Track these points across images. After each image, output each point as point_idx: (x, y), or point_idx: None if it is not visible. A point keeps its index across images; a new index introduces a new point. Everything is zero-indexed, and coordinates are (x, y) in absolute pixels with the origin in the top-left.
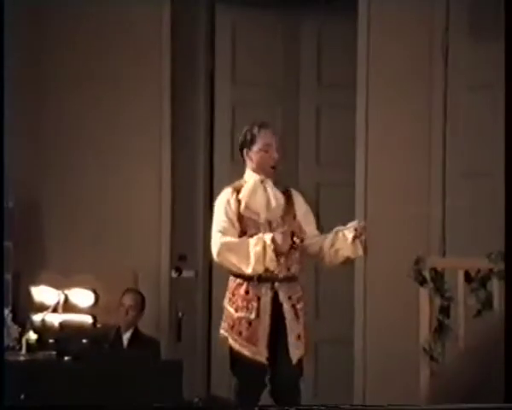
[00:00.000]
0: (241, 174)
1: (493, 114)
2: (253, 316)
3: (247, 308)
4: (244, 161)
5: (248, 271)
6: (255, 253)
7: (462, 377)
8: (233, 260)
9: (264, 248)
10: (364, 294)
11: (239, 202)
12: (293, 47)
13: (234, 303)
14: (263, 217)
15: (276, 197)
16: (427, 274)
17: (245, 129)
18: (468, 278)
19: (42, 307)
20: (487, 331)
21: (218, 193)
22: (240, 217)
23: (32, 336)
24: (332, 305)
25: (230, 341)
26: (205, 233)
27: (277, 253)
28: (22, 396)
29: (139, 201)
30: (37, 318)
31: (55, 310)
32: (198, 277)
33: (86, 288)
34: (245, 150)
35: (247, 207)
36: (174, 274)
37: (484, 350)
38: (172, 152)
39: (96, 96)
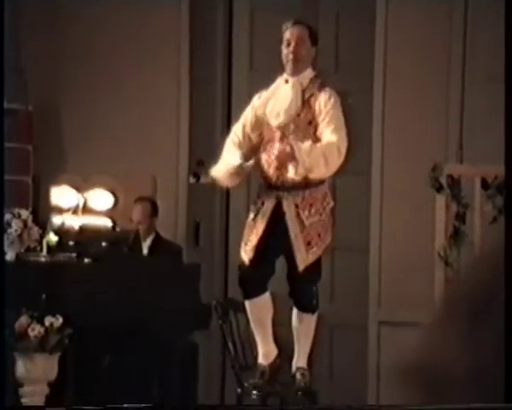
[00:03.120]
0: (260, 82)
1: None
2: (251, 217)
3: (252, 211)
4: None
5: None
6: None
7: (477, 283)
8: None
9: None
10: (381, 200)
11: (261, 102)
12: None
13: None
14: (275, 123)
15: (291, 100)
16: (443, 181)
17: None
18: (484, 184)
19: (62, 210)
20: (502, 237)
21: (236, 100)
22: (256, 119)
23: (53, 238)
24: (348, 212)
25: None
26: (223, 140)
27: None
28: (43, 296)
29: (157, 106)
30: (57, 220)
31: (74, 213)
32: (215, 182)
33: (105, 190)
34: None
35: (263, 110)
36: (192, 180)
37: (499, 256)
38: (191, 57)
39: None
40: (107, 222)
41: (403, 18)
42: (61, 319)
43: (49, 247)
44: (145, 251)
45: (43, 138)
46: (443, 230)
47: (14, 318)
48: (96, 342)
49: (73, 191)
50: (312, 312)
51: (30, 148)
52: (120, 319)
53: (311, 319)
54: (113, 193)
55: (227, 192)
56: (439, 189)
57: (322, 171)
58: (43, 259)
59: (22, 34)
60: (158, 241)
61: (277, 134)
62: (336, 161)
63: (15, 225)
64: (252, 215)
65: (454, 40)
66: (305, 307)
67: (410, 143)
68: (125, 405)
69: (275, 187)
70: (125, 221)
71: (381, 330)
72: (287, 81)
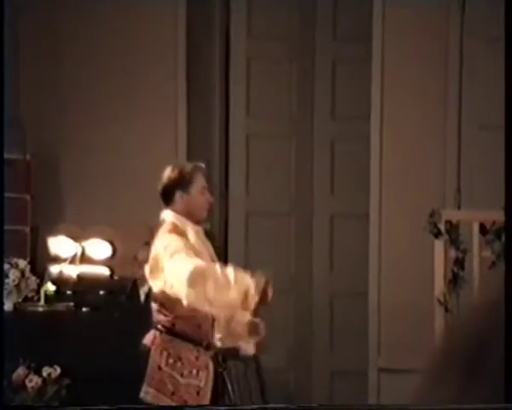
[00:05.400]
0: (256, 129)
1: None
2: (202, 384)
3: (197, 376)
4: (168, 204)
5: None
6: (242, 288)
7: (475, 327)
8: (209, 290)
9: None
10: (379, 246)
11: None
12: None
13: (180, 369)
14: None
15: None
16: (442, 226)
17: (176, 169)
18: (483, 230)
19: (59, 259)
20: (501, 283)
21: (234, 147)
22: None
23: (51, 287)
24: (346, 257)
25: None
26: (220, 188)
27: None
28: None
29: (155, 154)
30: (54, 269)
31: (72, 262)
32: (213, 230)
33: (103, 239)
34: (178, 193)
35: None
36: None
37: (498, 301)
38: (188, 106)
39: (112, 54)
40: (105, 271)
41: (399, 70)
42: (59, 370)
43: (46, 296)
44: (142, 297)
45: (42, 188)
46: (442, 276)
47: (11, 368)
48: (94, 392)
49: (71, 241)
50: None
51: (28, 197)
52: (119, 369)
53: None
54: (111, 242)
55: (225, 238)
56: (438, 234)
57: None
58: (40, 309)
59: (21, 83)
60: None
61: None
62: None
63: (13, 275)
64: (202, 383)
65: (451, 85)
66: None
67: (408, 188)
68: (128, 405)
69: (211, 347)
70: (123, 270)
71: (381, 377)
72: (197, 232)
